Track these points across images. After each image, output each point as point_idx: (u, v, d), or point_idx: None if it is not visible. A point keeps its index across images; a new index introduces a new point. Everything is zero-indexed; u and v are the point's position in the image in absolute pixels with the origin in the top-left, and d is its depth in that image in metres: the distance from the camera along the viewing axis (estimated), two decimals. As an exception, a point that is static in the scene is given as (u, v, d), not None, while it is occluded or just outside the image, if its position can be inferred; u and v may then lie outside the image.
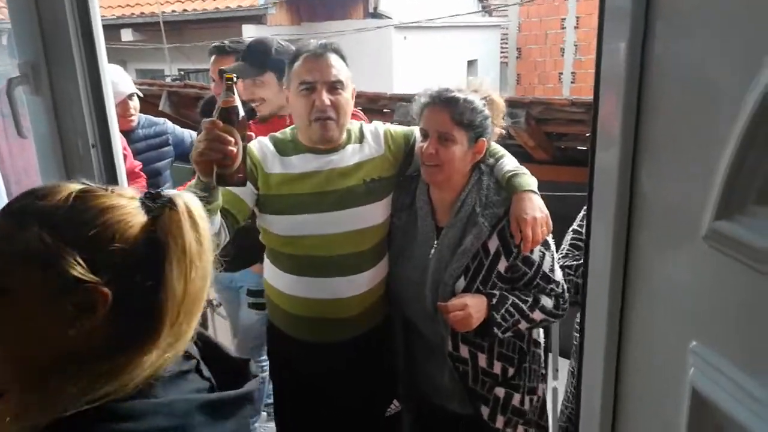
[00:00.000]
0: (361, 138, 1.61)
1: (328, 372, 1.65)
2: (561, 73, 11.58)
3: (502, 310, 1.46)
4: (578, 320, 1.83)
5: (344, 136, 1.58)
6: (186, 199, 0.74)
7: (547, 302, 1.51)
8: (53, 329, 0.67)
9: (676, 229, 0.66)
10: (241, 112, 1.23)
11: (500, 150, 1.61)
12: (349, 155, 1.57)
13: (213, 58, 2.49)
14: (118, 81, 2.42)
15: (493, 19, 12.94)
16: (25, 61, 1.25)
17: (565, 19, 11.26)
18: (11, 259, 0.66)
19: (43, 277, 0.66)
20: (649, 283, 0.72)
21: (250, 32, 8.98)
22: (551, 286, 1.52)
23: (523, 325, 1.50)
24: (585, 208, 1.79)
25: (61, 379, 0.66)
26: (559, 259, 1.60)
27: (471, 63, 12.28)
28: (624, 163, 0.72)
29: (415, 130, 1.64)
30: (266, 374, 2.66)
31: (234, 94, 1.23)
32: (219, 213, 1.38)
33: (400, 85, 9.21)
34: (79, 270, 0.65)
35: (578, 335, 0.85)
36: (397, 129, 1.67)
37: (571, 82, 11.48)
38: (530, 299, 1.50)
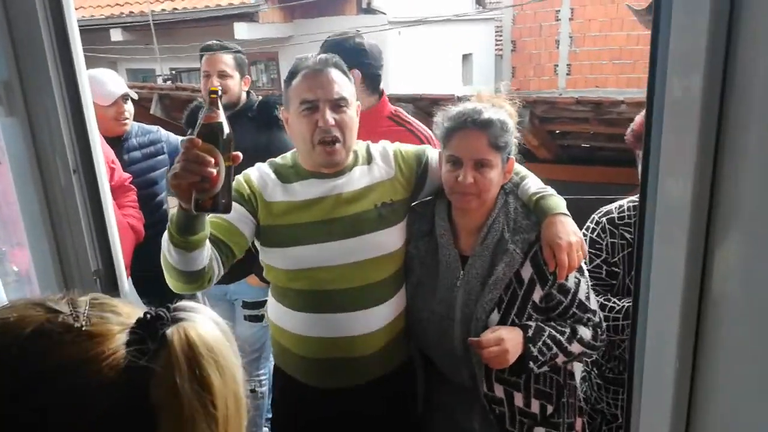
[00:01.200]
0: (369, 159, 1.49)
1: (342, 420, 1.51)
2: (557, 65, 11.50)
3: (539, 343, 1.35)
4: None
5: (351, 157, 1.46)
6: (191, 334, 0.52)
7: (585, 333, 1.40)
8: None
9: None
10: (226, 130, 1.08)
11: (521, 168, 1.51)
12: (357, 178, 1.45)
13: (205, 56, 2.42)
14: (107, 81, 2.31)
15: (488, 12, 12.82)
16: (-3, 80, 1.13)
17: (559, 11, 11.17)
18: None
19: None
20: (730, 349, 0.60)
21: (241, 30, 8.86)
22: (588, 315, 1.40)
23: (560, 359, 1.38)
24: (598, 213, 1.70)
25: None
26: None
27: (466, 57, 12.17)
28: (701, 192, 0.59)
29: (428, 149, 1.53)
30: (265, 389, 2.58)
31: (218, 109, 1.08)
32: (208, 244, 1.26)
33: (395, 81, 9.08)
34: None
35: (625, 410, 0.71)
36: (408, 149, 1.55)
37: (567, 74, 11.40)
38: (567, 330, 1.38)
